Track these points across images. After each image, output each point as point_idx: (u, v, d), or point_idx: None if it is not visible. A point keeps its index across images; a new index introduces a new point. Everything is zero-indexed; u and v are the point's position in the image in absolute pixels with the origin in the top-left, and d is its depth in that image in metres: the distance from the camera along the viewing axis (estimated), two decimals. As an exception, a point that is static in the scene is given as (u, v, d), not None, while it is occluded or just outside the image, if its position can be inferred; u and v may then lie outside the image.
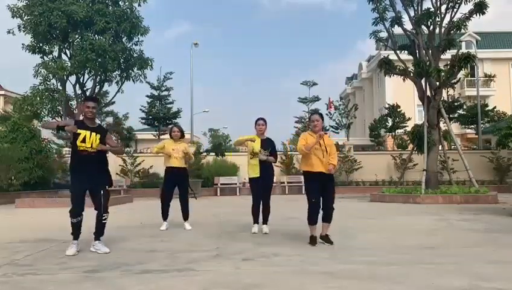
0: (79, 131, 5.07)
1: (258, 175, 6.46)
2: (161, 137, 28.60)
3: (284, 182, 19.85)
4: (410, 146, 16.00)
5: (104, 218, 5.20)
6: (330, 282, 3.71)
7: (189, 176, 7.50)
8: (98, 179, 5.16)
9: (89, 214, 5.34)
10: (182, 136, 7.44)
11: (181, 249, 5.30)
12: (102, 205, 5.15)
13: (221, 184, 19.62)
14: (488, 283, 3.59)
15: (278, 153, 6.92)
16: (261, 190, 6.51)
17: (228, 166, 20.33)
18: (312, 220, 5.44)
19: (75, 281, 3.85)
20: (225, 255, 4.87)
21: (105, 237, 5.51)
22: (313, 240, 5.45)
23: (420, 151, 13.89)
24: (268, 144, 6.54)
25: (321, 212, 5.46)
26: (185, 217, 7.26)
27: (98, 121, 5.36)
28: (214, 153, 20.80)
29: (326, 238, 5.50)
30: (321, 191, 5.45)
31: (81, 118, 5.54)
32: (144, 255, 4.93)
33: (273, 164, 6.64)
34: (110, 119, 31.62)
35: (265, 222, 6.62)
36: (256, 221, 6.61)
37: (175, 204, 7.26)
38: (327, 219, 5.50)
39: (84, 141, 5.09)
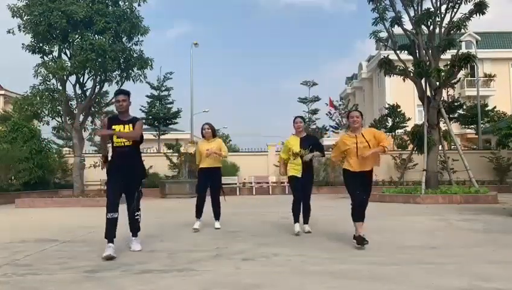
0: (114, 126, 5.06)
1: (300, 175, 6.26)
2: (161, 137, 28.62)
3: (284, 182, 19.84)
4: (410, 146, 15.99)
5: (136, 215, 5.19)
6: (330, 282, 3.71)
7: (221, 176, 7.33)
8: (133, 179, 5.17)
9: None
10: (214, 134, 7.21)
11: (181, 249, 5.30)
12: (134, 205, 5.16)
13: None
14: (488, 283, 3.59)
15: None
16: (300, 187, 6.33)
17: (228, 166, 20.30)
18: (356, 216, 5.26)
19: (75, 281, 3.85)
20: (225, 255, 4.87)
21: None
22: (359, 240, 5.13)
23: (420, 151, 13.88)
24: (307, 141, 6.30)
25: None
26: (216, 216, 7.13)
27: (131, 114, 5.32)
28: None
29: (359, 239, 5.18)
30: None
31: (97, 123, 5.56)
32: (143, 255, 4.92)
33: (315, 163, 6.36)
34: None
35: (306, 221, 6.49)
36: (297, 220, 6.39)
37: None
38: (360, 217, 5.34)
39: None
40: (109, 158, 5.24)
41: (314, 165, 6.42)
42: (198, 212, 7.03)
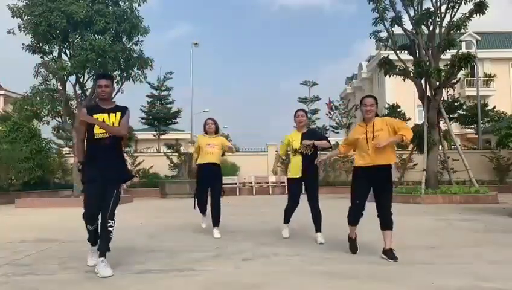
0: (95, 116, 4.20)
1: (300, 175, 5.65)
2: (161, 137, 28.63)
3: (284, 182, 19.85)
4: (410, 146, 16.00)
5: (109, 225, 4.14)
6: (330, 282, 3.71)
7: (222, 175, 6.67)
8: (115, 174, 4.26)
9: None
10: (217, 131, 6.68)
11: (181, 249, 5.29)
12: (109, 209, 4.15)
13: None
14: (488, 283, 3.59)
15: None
16: (299, 192, 5.75)
17: (228, 166, 20.32)
18: (351, 221, 4.90)
19: (75, 281, 3.85)
20: (225, 255, 4.88)
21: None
22: (352, 245, 4.87)
23: (420, 151, 13.90)
24: (310, 136, 5.75)
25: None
26: (215, 222, 6.33)
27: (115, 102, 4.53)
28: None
29: (389, 253, 4.56)
30: (375, 191, 4.74)
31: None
32: (143, 255, 4.92)
33: (320, 170, 5.71)
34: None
35: (318, 229, 5.71)
36: (287, 221, 5.92)
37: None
38: (384, 225, 4.72)
39: None
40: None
41: (320, 171, 6.02)
42: (203, 211, 6.61)
